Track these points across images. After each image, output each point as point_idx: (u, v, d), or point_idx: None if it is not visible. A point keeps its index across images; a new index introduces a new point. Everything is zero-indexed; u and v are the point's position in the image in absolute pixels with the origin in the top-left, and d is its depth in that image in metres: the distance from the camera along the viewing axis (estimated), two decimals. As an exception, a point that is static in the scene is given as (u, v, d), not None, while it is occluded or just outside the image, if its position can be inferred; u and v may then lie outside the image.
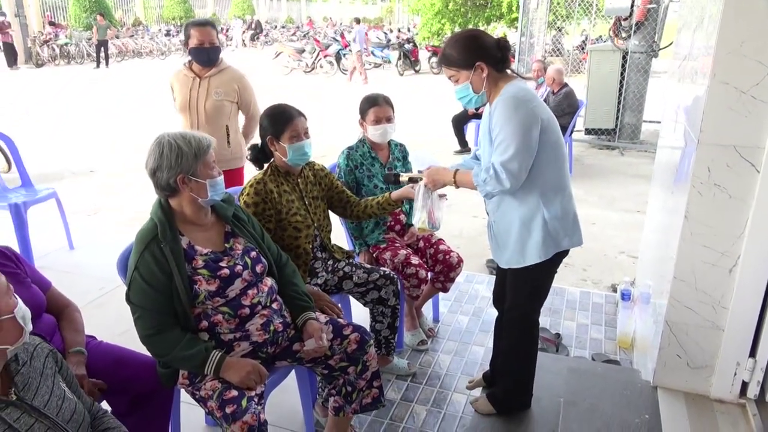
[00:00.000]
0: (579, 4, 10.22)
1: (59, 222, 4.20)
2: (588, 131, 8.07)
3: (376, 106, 2.79)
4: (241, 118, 3.51)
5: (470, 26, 17.20)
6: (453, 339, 3.09)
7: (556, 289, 3.55)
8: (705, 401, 2.22)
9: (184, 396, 2.01)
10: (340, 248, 2.62)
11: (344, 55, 17.03)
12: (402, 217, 3.00)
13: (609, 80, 7.73)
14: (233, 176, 3.35)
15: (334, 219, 2.63)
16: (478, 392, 2.60)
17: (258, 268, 1.97)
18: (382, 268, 2.58)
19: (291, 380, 2.18)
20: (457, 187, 2.16)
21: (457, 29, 17.86)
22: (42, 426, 1.34)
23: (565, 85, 6.54)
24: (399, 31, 25.70)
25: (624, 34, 7.65)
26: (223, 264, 1.88)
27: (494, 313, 2.50)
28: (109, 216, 5.16)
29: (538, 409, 2.40)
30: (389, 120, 2.81)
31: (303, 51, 17.70)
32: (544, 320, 3.15)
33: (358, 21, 16.49)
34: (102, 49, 18.19)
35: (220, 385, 1.79)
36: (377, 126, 2.79)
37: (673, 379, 2.29)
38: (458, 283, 3.55)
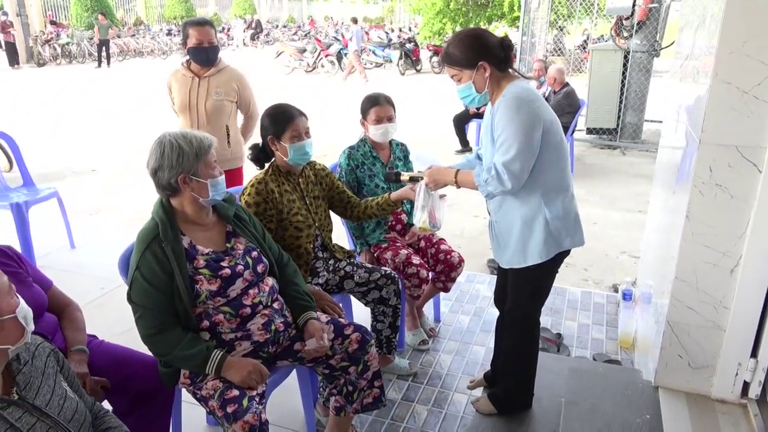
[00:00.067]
0: (580, 4, 10.21)
1: (60, 221, 4.21)
2: (589, 131, 8.07)
3: (377, 106, 2.79)
4: (240, 118, 3.51)
5: (471, 25, 17.18)
6: (454, 339, 3.09)
7: (558, 289, 3.54)
8: (706, 401, 2.22)
9: (186, 395, 2.01)
10: (341, 248, 2.62)
11: (345, 54, 17.01)
12: (403, 216, 3.00)
13: (610, 80, 7.72)
14: (233, 176, 3.35)
15: (335, 219, 2.63)
16: (479, 392, 2.60)
17: (259, 268, 1.97)
18: (383, 268, 2.58)
19: (292, 380, 2.18)
20: (458, 187, 2.16)
21: (458, 29, 17.84)
22: (44, 425, 1.34)
23: (567, 84, 6.55)
24: (400, 30, 25.70)
25: (625, 34, 7.64)
26: (224, 264, 1.88)
27: (495, 312, 2.50)
28: (109, 216, 5.16)
29: (539, 409, 2.40)
30: (390, 119, 2.81)
31: (304, 50, 17.70)
32: (545, 320, 3.15)
33: (355, 21, 16.48)
34: (103, 48, 18.20)
35: (221, 384, 1.80)
36: (378, 125, 2.79)
37: (675, 379, 2.28)
38: (459, 283, 3.55)
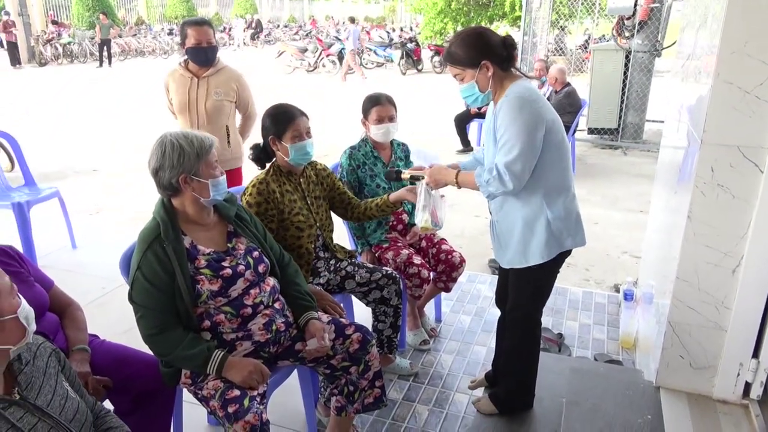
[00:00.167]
0: (582, 3, 10.21)
1: (62, 221, 4.21)
2: (591, 131, 8.06)
3: (378, 106, 2.79)
4: (238, 118, 3.51)
5: (473, 25, 17.17)
6: (455, 339, 3.08)
7: (559, 289, 3.54)
8: (708, 402, 2.22)
9: (187, 395, 2.01)
10: (343, 248, 2.62)
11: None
12: (404, 216, 3.00)
13: (612, 80, 7.72)
14: (233, 176, 3.35)
15: (336, 219, 2.63)
16: (480, 392, 2.60)
17: (260, 268, 1.97)
18: (384, 268, 2.58)
19: (293, 380, 2.17)
20: (459, 187, 2.15)
21: (459, 28, 17.84)
22: (45, 425, 1.34)
23: (568, 84, 6.55)
24: (401, 30, 25.71)
25: (627, 34, 7.63)
26: (225, 264, 1.88)
27: (496, 313, 2.49)
28: (109, 216, 5.17)
29: (540, 409, 2.40)
30: (392, 119, 2.81)
31: (305, 50, 17.70)
32: (546, 320, 3.15)
33: (352, 20, 16.45)
34: (105, 48, 18.21)
35: (222, 384, 1.80)
36: (380, 125, 2.79)
37: (676, 379, 2.28)
38: (460, 283, 3.55)
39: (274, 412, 2.11)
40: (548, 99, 6.21)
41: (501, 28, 18.83)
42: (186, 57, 3.28)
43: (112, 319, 3.08)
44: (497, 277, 2.47)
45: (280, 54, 18.15)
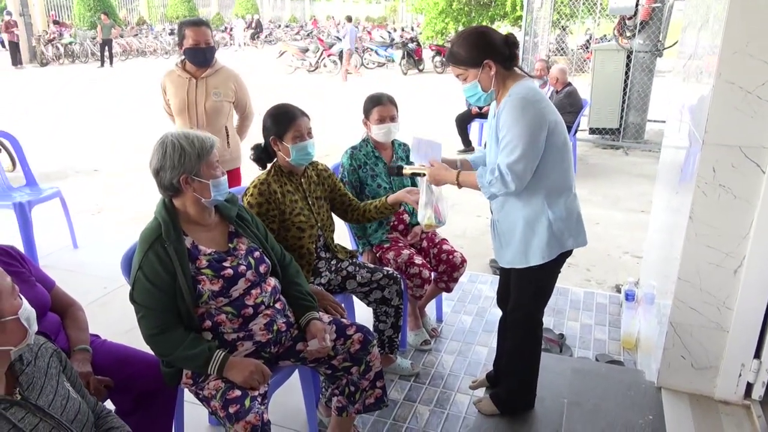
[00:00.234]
0: (583, 3, 10.20)
1: (63, 221, 4.21)
2: (592, 131, 8.06)
3: (379, 106, 2.79)
4: (235, 118, 3.51)
5: (474, 25, 17.15)
6: (456, 339, 3.08)
7: (560, 290, 3.54)
8: (709, 402, 2.22)
9: (188, 395, 2.01)
10: (344, 248, 2.62)
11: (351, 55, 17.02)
12: (405, 216, 2.99)
13: (613, 79, 7.71)
14: (231, 176, 3.35)
15: (338, 219, 2.63)
16: (481, 392, 2.60)
17: (261, 268, 1.97)
18: (385, 268, 2.58)
19: (294, 380, 2.18)
20: (460, 187, 2.15)
21: (460, 28, 17.83)
22: (46, 425, 1.34)
23: (569, 84, 6.55)
24: (403, 30, 25.70)
25: (628, 33, 7.63)
26: (226, 264, 1.88)
27: (498, 313, 2.49)
28: (110, 216, 5.17)
29: (541, 409, 2.39)
30: (393, 119, 2.81)
31: (307, 50, 17.71)
32: (547, 320, 3.14)
33: (349, 19, 16.42)
34: (106, 48, 18.23)
35: (223, 384, 1.80)
36: (381, 125, 2.79)
37: (678, 380, 2.28)
38: (462, 283, 3.55)
39: (275, 412, 2.12)
40: (549, 99, 6.23)
41: (502, 28, 18.80)
42: (183, 58, 3.27)
43: (114, 319, 3.08)
44: (498, 277, 2.46)
45: (282, 54, 18.16)
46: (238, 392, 1.77)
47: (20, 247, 3.48)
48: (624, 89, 7.69)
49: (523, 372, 2.32)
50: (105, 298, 3.49)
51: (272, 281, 2.03)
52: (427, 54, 18.20)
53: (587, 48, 13.96)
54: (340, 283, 2.54)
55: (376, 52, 18.65)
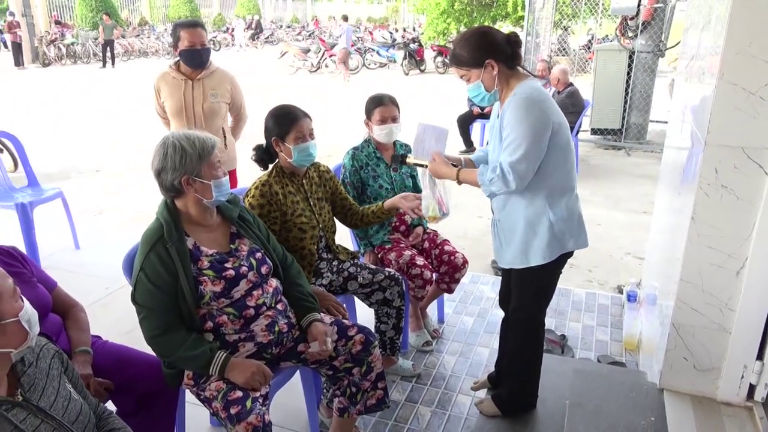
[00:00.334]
0: (585, 4, 10.19)
1: (65, 221, 4.21)
2: (594, 131, 8.05)
3: (381, 106, 2.79)
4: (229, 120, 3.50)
5: (476, 25, 17.13)
6: (458, 340, 3.08)
7: (562, 290, 3.54)
8: (712, 404, 2.21)
9: (189, 396, 2.01)
10: (345, 249, 2.62)
11: (350, 55, 17.01)
12: (407, 217, 2.99)
13: (615, 80, 7.70)
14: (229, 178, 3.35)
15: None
16: (483, 394, 2.59)
17: (263, 269, 1.97)
18: (386, 269, 2.58)
19: (296, 381, 2.18)
20: (460, 183, 2.16)
21: (462, 29, 17.83)
22: (48, 427, 1.34)
23: (570, 84, 6.55)
24: (404, 30, 25.67)
25: (630, 34, 7.61)
26: (228, 265, 1.88)
27: (499, 314, 2.49)
28: (110, 216, 5.18)
29: (543, 410, 2.39)
30: (395, 120, 2.81)
31: (308, 51, 17.71)
32: (549, 321, 3.14)
33: (345, 18, 16.35)
34: (108, 48, 18.25)
35: (224, 385, 1.79)
36: (383, 126, 2.78)
37: (680, 381, 2.27)
38: (463, 284, 3.54)
39: (277, 413, 2.12)
40: (551, 99, 6.23)
41: (504, 29, 18.73)
42: (178, 59, 3.26)
43: (115, 319, 3.08)
44: (500, 278, 2.46)
45: (283, 54, 18.17)
46: (239, 393, 1.76)
47: (22, 247, 3.48)
48: (626, 90, 7.68)
49: (524, 373, 2.32)
50: (106, 298, 3.49)
51: (274, 282, 2.02)
52: (428, 54, 18.19)
53: (589, 48, 13.96)
54: (341, 284, 2.54)
55: (377, 52, 18.64)
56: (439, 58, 16.94)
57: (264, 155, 2.38)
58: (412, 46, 17.59)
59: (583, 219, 2.13)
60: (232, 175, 3.47)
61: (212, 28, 28.85)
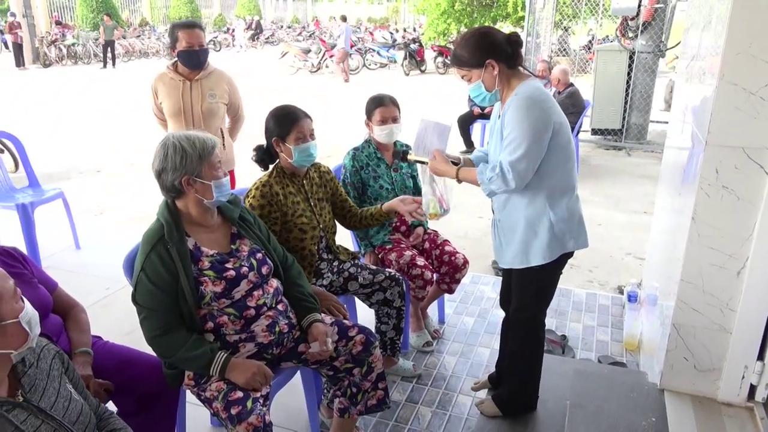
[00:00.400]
0: (585, 4, 10.18)
1: (66, 222, 4.22)
2: (594, 131, 8.05)
3: (382, 107, 2.79)
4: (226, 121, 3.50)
5: (476, 26, 17.11)
6: (458, 340, 3.08)
7: (562, 291, 3.54)
8: (712, 404, 2.21)
9: (190, 397, 2.01)
10: (346, 249, 2.62)
11: (350, 55, 17.02)
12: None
13: (616, 80, 7.70)
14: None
15: (339, 220, 2.63)
16: (483, 394, 2.59)
17: (264, 270, 1.97)
18: (387, 270, 2.58)
19: (296, 381, 2.18)
20: (460, 182, 2.16)
21: (463, 29, 17.83)
22: (49, 427, 1.34)
23: (571, 84, 6.55)
24: (405, 31, 25.65)
25: (631, 34, 7.61)
26: (229, 265, 1.88)
27: (500, 314, 2.49)
28: (110, 216, 5.18)
29: (544, 411, 2.39)
30: (395, 120, 2.81)
31: (309, 51, 17.71)
32: (550, 322, 3.13)
33: (344, 19, 16.32)
34: (109, 49, 18.25)
35: (225, 386, 1.80)
36: (383, 126, 2.78)
37: (681, 381, 2.27)
38: (464, 285, 3.54)
39: (277, 413, 2.12)
40: (551, 100, 6.22)
41: (504, 29, 18.70)
42: (175, 60, 3.26)
43: (116, 320, 3.08)
44: (500, 278, 2.46)
45: (284, 55, 18.17)
46: (240, 394, 1.76)
47: (23, 248, 3.48)
48: (626, 90, 7.68)
49: (525, 373, 2.32)
50: (107, 299, 3.50)
51: (274, 283, 2.02)
52: (429, 55, 18.18)
53: (590, 49, 13.95)
54: (341, 285, 2.54)
55: (378, 52, 18.64)
56: (440, 59, 16.93)
57: (264, 156, 2.38)
58: (412, 46, 17.58)
59: (583, 220, 2.13)
60: (230, 175, 3.47)
61: (213, 29, 28.85)
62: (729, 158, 1.96)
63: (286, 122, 2.29)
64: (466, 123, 7.34)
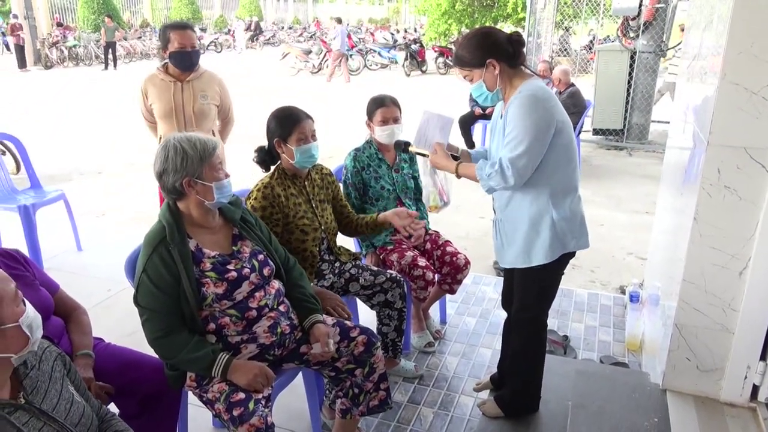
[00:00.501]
0: (586, 4, 10.18)
1: (67, 223, 4.22)
2: (596, 131, 8.04)
3: (383, 107, 2.79)
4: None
5: (477, 26, 17.11)
6: (460, 341, 3.08)
7: (564, 291, 3.53)
8: (715, 405, 2.21)
9: (192, 398, 2.01)
10: (347, 250, 2.62)
11: (351, 56, 17.02)
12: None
13: (617, 80, 7.70)
14: None
15: (341, 221, 2.63)
16: (485, 395, 2.59)
17: (265, 271, 1.97)
18: (388, 271, 2.58)
19: (298, 382, 2.17)
20: (459, 177, 2.16)
21: (464, 30, 17.85)
22: (50, 429, 1.34)
23: (572, 84, 6.55)
24: (405, 31, 25.67)
25: (632, 34, 7.61)
26: (230, 267, 1.88)
27: (501, 315, 2.49)
28: (111, 216, 5.18)
29: (546, 412, 2.39)
30: (396, 121, 2.81)
31: (310, 52, 17.73)
32: (551, 322, 3.12)
33: (339, 21, 16.33)
34: (110, 50, 18.28)
35: (227, 387, 1.80)
36: (384, 127, 2.78)
37: (683, 382, 2.27)
38: (465, 285, 3.54)
39: (279, 414, 2.11)
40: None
41: (505, 29, 18.71)
42: (166, 61, 3.25)
43: (117, 322, 3.08)
44: (502, 279, 2.46)
45: (285, 56, 18.19)
46: (242, 395, 1.76)
47: (25, 249, 3.49)
48: (627, 90, 7.68)
49: (527, 374, 2.32)
50: (109, 300, 3.50)
51: (276, 284, 2.02)
52: (430, 55, 18.19)
53: (590, 49, 13.95)
54: (343, 286, 2.54)
55: (379, 53, 18.65)
56: (441, 59, 16.94)
57: (266, 157, 2.38)
58: (413, 47, 17.59)
59: (585, 221, 2.13)
60: None
61: (214, 30, 28.87)
62: (731, 158, 1.95)
63: (288, 123, 2.29)
64: (467, 123, 7.33)
